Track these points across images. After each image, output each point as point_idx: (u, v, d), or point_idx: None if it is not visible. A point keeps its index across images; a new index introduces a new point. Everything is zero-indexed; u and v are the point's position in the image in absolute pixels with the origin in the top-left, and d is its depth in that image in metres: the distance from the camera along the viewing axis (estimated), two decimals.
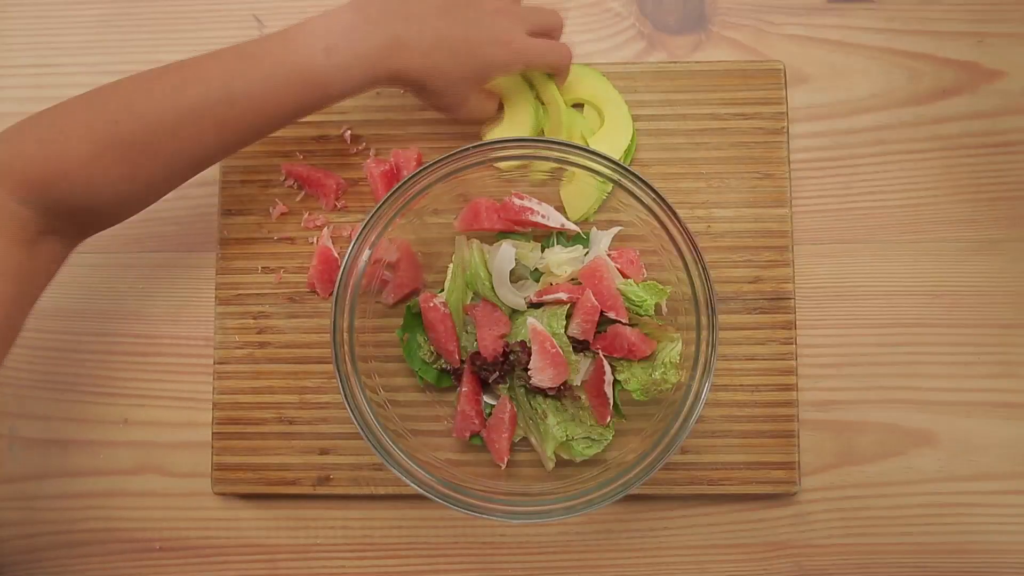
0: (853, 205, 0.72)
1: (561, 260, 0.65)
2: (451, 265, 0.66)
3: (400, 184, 0.61)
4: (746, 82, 0.71)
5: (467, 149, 0.61)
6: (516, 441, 0.66)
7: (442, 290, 0.66)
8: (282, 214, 0.71)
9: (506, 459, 0.65)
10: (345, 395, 0.60)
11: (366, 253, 0.62)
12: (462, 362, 0.66)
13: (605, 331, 0.65)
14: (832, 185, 0.72)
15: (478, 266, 0.65)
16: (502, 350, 0.64)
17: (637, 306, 0.64)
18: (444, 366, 0.67)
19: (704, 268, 0.60)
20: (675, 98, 0.71)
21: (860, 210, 0.72)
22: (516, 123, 0.69)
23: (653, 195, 0.60)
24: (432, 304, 0.65)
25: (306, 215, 0.71)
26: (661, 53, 0.74)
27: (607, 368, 0.63)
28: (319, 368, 0.69)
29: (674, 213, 0.60)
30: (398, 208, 0.62)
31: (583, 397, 0.64)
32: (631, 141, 0.69)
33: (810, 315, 0.70)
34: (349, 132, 0.71)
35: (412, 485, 0.60)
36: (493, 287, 0.65)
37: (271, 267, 0.71)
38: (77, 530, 0.70)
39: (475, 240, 0.67)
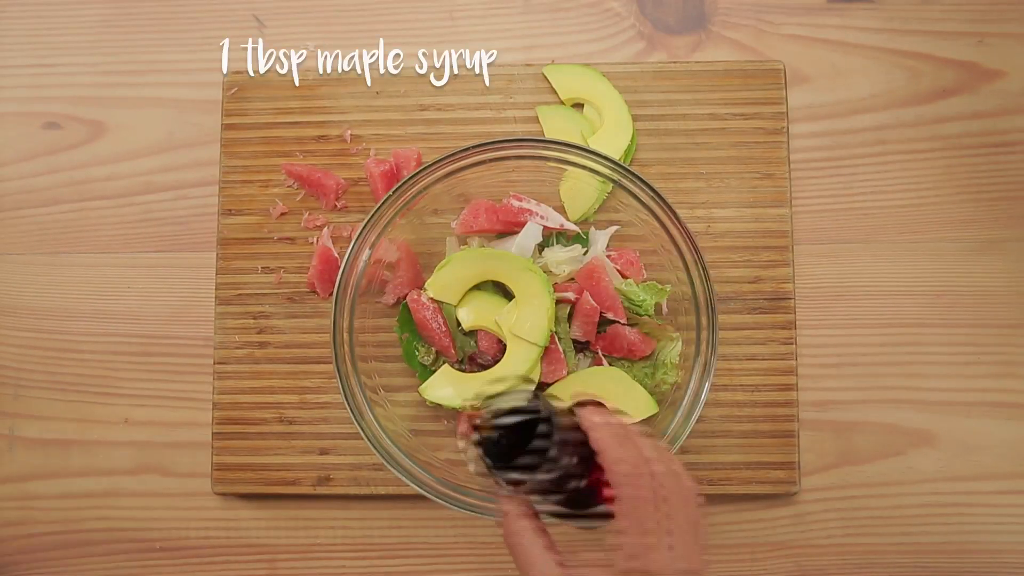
0: (853, 205, 0.72)
1: (560, 259, 0.65)
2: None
3: (400, 184, 0.61)
4: (746, 82, 0.71)
5: (467, 149, 0.61)
6: None
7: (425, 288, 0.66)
8: (282, 214, 0.71)
9: None
10: (345, 395, 0.60)
11: (366, 253, 0.62)
12: (460, 360, 0.66)
13: (605, 331, 0.65)
14: (832, 185, 0.72)
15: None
16: (502, 348, 0.64)
17: (637, 306, 0.64)
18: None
19: (704, 268, 0.60)
20: (675, 98, 0.71)
21: (860, 210, 0.72)
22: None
23: (653, 195, 0.60)
24: (421, 302, 0.64)
25: (306, 215, 0.71)
26: (661, 53, 0.74)
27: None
28: (319, 368, 0.69)
29: (674, 213, 0.60)
30: (398, 208, 0.62)
31: None
32: (631, 141, 0.69)
33: (810, 315, 0.70)
34: (349, 132, 0.71)
35: (412, 485, 0.60)
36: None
37: (271, 267, 0.71)
38: (77, 530, 0.70)
39: (474, 238, 0.67)
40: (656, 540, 0.45)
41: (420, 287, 0.66)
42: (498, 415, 0.47)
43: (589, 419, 0.48)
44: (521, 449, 0.44)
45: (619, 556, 0.46)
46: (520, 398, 0.47)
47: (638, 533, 0.45)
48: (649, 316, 0.64)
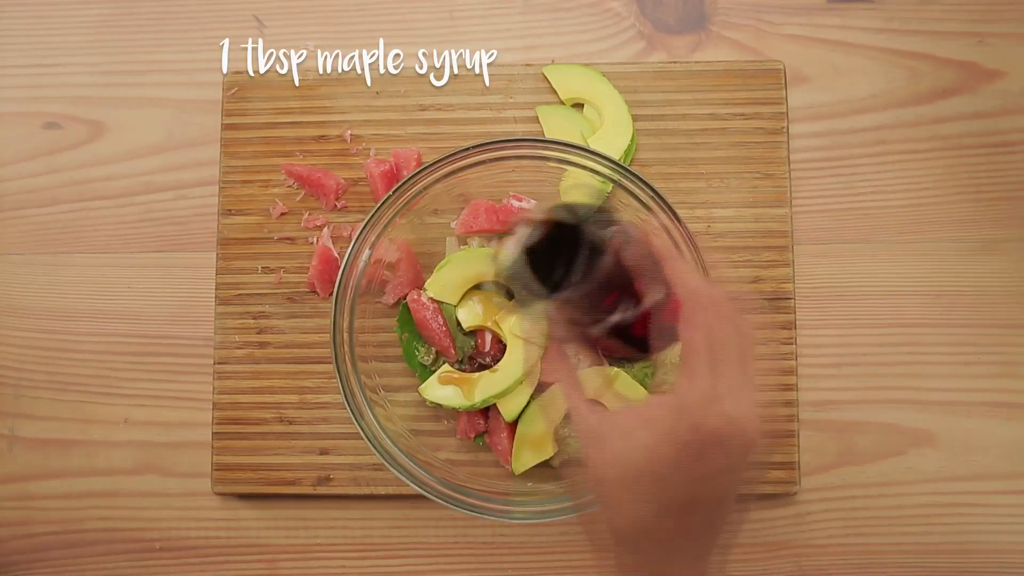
0: (853, 205, 0.72)
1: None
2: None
3: (400, 184, 0.61)
4: (746, 82, 0.71)
5: (467, 149, 0.61)
6: None
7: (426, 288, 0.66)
8: (282, 214, 0.71)
9: (511, 459, 0.65)
10: (345, 395, 0.60)
11: (366, 253, 0.62)
12: (460, 360, 0.66)
13: None
14: (832, 185, 0.72)
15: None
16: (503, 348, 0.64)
17: None
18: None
19: (704, 268, 0.60)
20: (675, 98, 0.71)
21: (860, 210, 0.72)
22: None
23: (653, 195, 0.60)
24: (421, 302, 0.64)
25: (306, 215, 0.71)
26: (661, 53, 0.74)
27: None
28: (319, 368, 0.69)
29: (674, 213, 0.60)
30: (398, 208, 0.62)
31: None
32: (631, 141, 0.69)
33: (810, 315, 0.70)
34: (349, 132, 0.71)
35: (412, 485, 0.60)
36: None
37: (271, 267, 0.71)
38: (77, 530, 0.70)
39: (474, 238, 0.67)
40: (713, 374, 0.43)
41: (420, 287, 0.66)
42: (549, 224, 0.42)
43: (659, 243, 0.46)
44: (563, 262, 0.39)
45: (682, 388, 0.43)
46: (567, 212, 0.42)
47: (709, 367, 0.42)
48: None
